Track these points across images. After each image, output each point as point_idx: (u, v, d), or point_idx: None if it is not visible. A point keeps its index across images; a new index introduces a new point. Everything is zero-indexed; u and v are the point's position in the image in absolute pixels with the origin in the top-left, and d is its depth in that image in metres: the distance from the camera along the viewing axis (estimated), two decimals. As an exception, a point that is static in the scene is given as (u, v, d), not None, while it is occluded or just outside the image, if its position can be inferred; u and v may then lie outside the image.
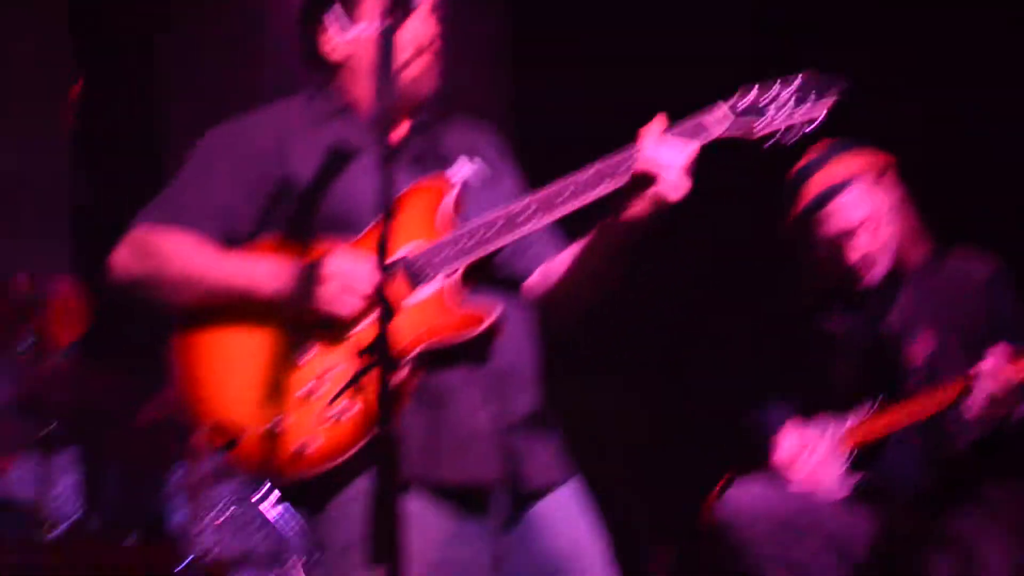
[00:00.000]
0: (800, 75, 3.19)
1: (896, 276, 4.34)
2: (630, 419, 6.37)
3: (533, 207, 3.13)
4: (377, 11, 3.20)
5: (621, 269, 3.25)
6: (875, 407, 4.25)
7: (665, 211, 3.09)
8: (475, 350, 3.09)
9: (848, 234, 4.28)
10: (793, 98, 3.16)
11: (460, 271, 3.12)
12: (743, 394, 4.56)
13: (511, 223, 3.12)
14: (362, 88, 3.33)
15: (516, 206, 3.14)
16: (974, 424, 4.08)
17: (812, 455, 4.28)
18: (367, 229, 3.13)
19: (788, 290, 4.57)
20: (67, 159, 6.62)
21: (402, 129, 3.33)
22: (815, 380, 4.44)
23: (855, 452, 4.27)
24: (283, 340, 3.08)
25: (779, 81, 3.20)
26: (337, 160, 3.23)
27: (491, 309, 3.08)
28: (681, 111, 3.19)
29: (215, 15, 7.00)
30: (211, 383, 3.11)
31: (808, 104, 3.16)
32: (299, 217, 3.20)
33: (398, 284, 3.08)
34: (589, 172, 3.14)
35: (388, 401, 2.58)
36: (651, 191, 3.06)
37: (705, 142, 3.12)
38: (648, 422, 6.38)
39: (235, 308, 3.13)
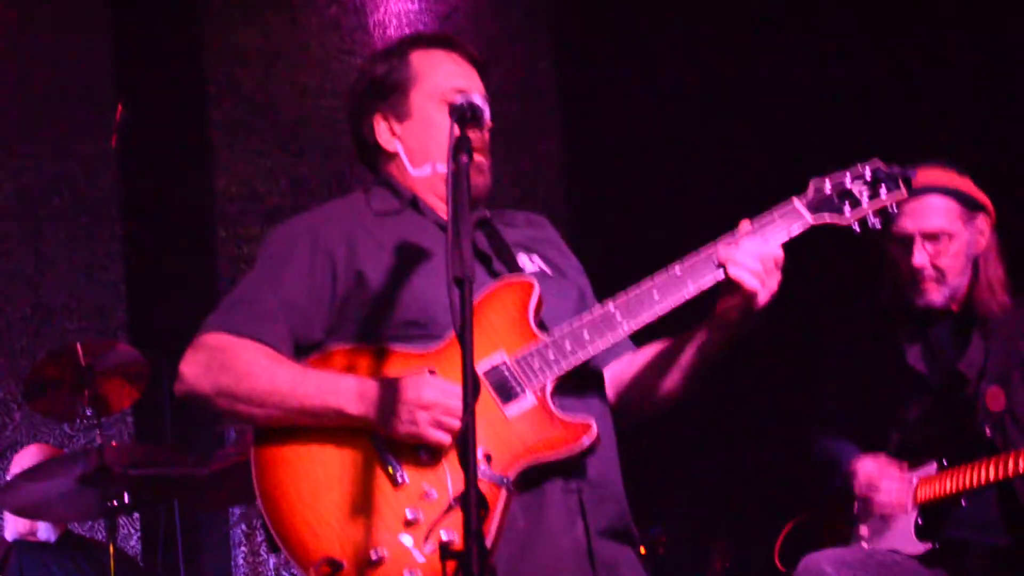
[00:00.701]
0: (868, 165, 3.16)
1: (972, 320, 4.29)
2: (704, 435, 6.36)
3: (617, 313, 3.09)
4: (427, 107, 3.24)
5: (705, 375, 3.22)
6: (945, 464, 4.22)
7: (757, 312, 3.08)
8: (572, 464, 3.05)
9: (919, 236, 4.22)
10: (865, 190, 3.15)
11: (551, 382, 3.07)
12: (816, 418, 4.57)
13: (597, 331, 3.08)
14: (417, 179, 3.28)
15: (598, 312, 3.10)
16: None
17: (892, 482, 4.25)
18: (447, 338, 3.07)
19: (865, 304, 4.53)
20: (117, 183, 6.59)
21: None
22: (886, 412, 4.41)
23: (927, 506, 4.24)
24: (371, 460, 3.02)
25: (848, 172, 3.17)
26: (408, 261, 3.17)
27: (588, 420, 3.03)
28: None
29: (257, 26, 6.91)
30: (299, 502, 3.03)
31: (881, 196, 3.14)
32: (373, 320, 3.13)
33: (489, 400, 3.02)
34: (670, 274, 3.11)
35: (480, 533, 2.59)
36: (742, 292, 3.06)
37: (787, 239, 3.11)
38: (721, 439, 6.37)
39: (317, 425, 3.07)
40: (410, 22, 7.17)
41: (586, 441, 3.01)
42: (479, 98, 3.00)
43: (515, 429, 3.02)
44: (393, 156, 3.31)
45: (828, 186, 3.15)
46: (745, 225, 3.11)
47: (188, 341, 3.16)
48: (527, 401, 3.04)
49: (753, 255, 3.06)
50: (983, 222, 4.29)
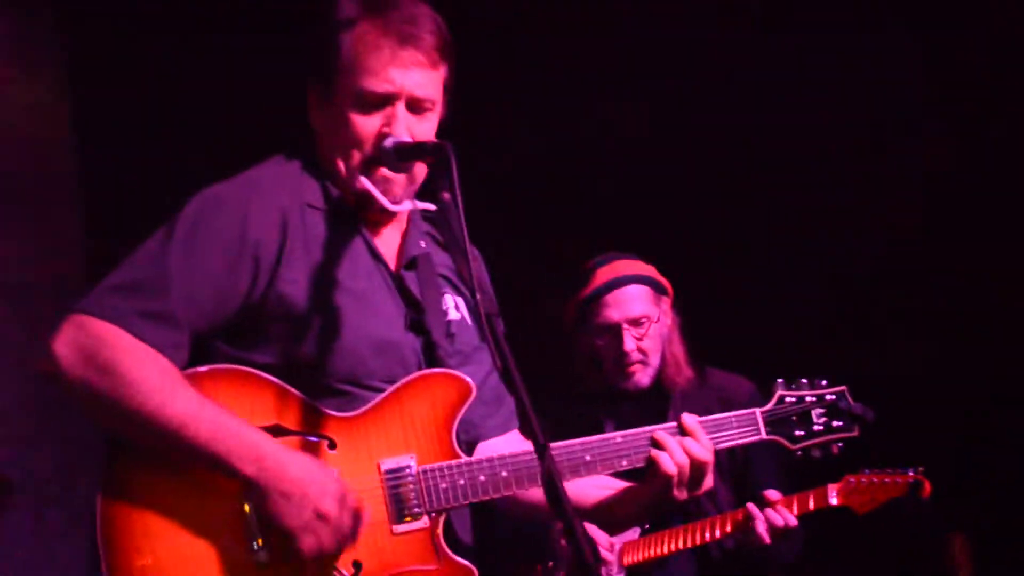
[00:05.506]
0: (834, 393, 3.24)
1: (664, 395, 4.59)
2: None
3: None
4: (346, 101, 2.92)
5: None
6: (647, 529, 4.46)
7: (668, 503, 3.03)
8: None
9: (625, 323, 4.52)
10: (822, 419, 3.20)
11: (446, 513, 2.89)
12: None
13: (515, 480, 2.91)
14: (336, 163, 2.95)
15: (525, 459, 2.89)
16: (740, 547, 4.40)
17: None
18: (368, 405, 2.86)
19: (563, 386, 4.71)
20: None
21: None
22: None
23: (632, 569, 4.45)
24: (237, 531, 2.76)
25: (813, 393, 3.22)
26: (339, 289, 2.88)
27: (472, 569, 2.88)
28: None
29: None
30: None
31: (833, 432, 3.20)
32: (291, 348, 2.83)
33: (380, 505, 2.83)
34: (609, 444, 3.00)
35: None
36: (660, 478, 3.00)
37: (733, 445, 3.14)
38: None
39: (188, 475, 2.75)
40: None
41: None
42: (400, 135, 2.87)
43: (396, 546, 2.85)
44: (314, 130, 3.01)
45: (791, 401, 3.19)
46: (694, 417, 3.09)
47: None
48: (419, 523, 2.86)
49: (686, 453, 3.01)
50: (667, 303, 4.67)
